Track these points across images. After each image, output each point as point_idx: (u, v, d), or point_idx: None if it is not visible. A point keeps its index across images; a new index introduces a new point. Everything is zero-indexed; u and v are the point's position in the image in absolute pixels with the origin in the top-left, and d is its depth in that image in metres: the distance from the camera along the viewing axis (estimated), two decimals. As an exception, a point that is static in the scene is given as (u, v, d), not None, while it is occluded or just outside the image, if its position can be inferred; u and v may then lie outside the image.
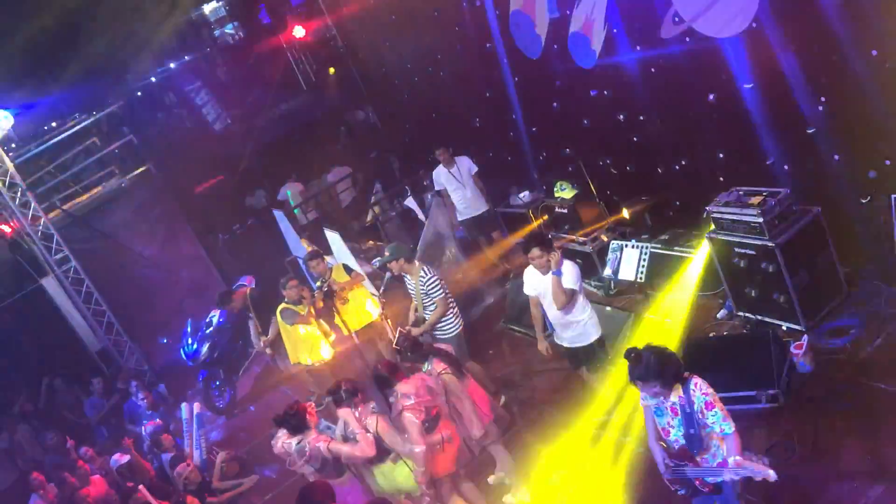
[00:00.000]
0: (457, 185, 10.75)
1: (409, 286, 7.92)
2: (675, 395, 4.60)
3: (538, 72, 10.00)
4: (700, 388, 4.55)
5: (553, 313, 6.73)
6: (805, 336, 6.75)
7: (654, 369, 4.53)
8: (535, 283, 6.80)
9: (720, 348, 7.09)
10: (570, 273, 6.54)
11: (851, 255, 7.29)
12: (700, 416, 4.55)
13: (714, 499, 4.83)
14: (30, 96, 12.85)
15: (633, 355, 4.58)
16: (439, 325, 7.67)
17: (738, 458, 4.41)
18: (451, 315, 7.72)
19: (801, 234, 6.91)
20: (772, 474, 4.28)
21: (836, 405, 6.10)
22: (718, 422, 4.51)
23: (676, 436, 4.70)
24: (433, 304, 7.62)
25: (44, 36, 12.06)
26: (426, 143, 13.66)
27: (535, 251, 6.54)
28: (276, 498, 8.39)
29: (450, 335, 7.63)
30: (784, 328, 7.12)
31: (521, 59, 10.18)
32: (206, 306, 11.34)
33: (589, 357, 6.92)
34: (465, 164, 10.69)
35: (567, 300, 6.54)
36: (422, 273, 7.65)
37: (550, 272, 6.55)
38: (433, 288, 7.60)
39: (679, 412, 4.62)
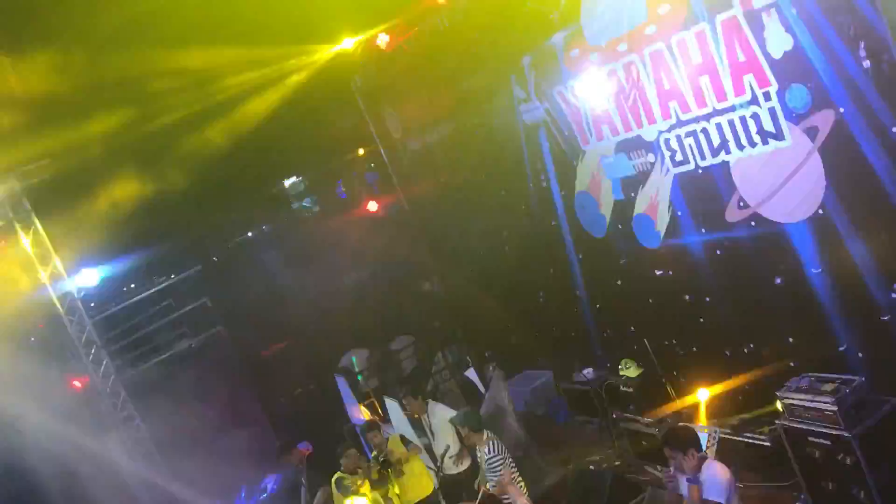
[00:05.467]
0: (427, 435, 9.19)
1: (477, 456, 7.94)
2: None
3: (603, 250, 10.13)
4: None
5: None
6: (890, 537, 6.29)
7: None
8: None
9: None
10: (713, 483, 5.39)
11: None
12: None
13: None
14: (112, 256, 13.45)
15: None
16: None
17: None
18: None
19: (882, 425, 6.56)
20: None
21: None
22: None
23: None
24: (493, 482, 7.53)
25: (128, 200, 12.78)
26: (490, 314, 13.80)
27: (665, 449, 5.54)
28: None
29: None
30: (866, 527, 6.64)
31: (585, 237, 10.36)
32: (261, 471, 11.20)
33: None
34: (439, 414, 8.95)
35: None
36: (487, 448, 7.65)
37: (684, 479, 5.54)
38: (494, 466, 7.53)
39: None
